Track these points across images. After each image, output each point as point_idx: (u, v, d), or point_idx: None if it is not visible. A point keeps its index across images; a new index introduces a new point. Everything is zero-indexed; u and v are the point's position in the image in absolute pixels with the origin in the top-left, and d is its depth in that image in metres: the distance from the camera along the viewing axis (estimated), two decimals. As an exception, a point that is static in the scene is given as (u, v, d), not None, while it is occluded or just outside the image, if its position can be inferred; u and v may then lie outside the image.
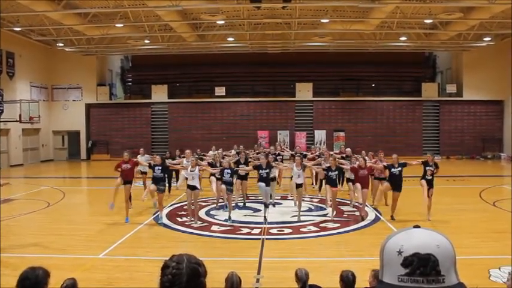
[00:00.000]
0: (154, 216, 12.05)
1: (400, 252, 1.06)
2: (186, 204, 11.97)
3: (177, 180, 15.95)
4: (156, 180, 11.54)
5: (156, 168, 11.57)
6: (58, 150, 31.55)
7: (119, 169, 11.88)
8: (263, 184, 11.79)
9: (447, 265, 1.04)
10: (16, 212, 13.11)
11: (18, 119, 24.95)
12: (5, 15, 20.46)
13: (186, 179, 11.96)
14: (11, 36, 24.85)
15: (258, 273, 7.57)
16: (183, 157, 15.08)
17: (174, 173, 15.77)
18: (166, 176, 12.33)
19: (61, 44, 27.25)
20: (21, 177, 22.74)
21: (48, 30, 23.68)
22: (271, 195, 13.55)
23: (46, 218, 12.69)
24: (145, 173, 14.97)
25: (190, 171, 11.46)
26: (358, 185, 11.85)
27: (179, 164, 13.90)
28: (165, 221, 11.68)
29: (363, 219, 11.47)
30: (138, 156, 15.44)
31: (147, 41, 26.45)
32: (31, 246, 9.47)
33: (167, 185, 14.02)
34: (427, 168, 11.33)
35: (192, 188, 11.36)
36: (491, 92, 29.11)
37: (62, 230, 11.02)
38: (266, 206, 11.97)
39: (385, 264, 1.09)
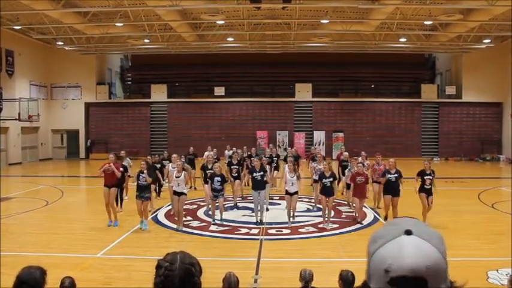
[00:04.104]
0: (152, 216, 12.02)
1: (387, 271, 0.99)
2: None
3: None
4: (141, 189, 10.58)
5: (141, 176, 10.58)
6: (57, 149, 31.52)
7: (101, 170, 11.02)
8: (256, 193, 11.19)
9: (436, 284, 0.99)
10: (14, 210, 13.09)
11: (17, 118, 24.94)
12: (5, 14, 20.46)
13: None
14: (10, 35, 24.83)
15: (256, 273, 7.57)
16: (168, 159, 14.66)
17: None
18: (155, 178, 11.72)
19: (61, 43, 27.24)
20: (19, 176, 22.74)
21: (48, 28, 23.66)
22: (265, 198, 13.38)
23: (44, 216, 12.68)
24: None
25: (176, 176, 10.71)
26: (355, 199, 11.48)
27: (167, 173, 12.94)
28: (149, 225, 10.91)
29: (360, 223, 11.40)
30: None
31: (146, 41, 26.45)
32: (29, 245, 9.47)
33: (155, 186, 13.30)
34: (426, 177, 10.96)
35: (178, 194, 10.71)
36: (490, 94, 29.14)
37: (60, 228, 11.03)
38: (258, 222, 11.14)
39: (372, 274, 1.04)
